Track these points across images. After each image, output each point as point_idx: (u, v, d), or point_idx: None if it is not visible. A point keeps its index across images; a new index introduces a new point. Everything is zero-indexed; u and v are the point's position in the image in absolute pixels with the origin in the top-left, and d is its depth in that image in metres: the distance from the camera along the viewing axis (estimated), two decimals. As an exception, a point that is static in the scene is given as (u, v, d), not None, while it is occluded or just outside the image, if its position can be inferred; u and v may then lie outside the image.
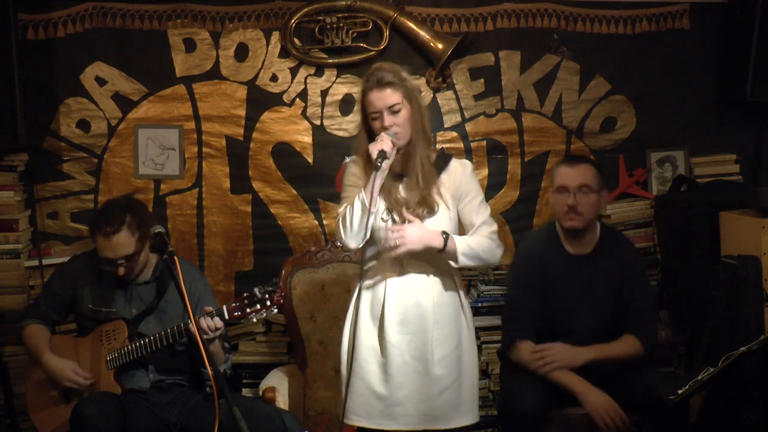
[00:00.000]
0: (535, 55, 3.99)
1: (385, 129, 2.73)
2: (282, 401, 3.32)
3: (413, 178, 2.79)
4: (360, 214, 2.69)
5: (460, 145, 3.99)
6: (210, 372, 2.60)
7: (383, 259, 2.82)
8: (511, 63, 3.98)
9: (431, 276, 2.82)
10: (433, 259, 2.80)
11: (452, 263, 2.79)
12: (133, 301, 3.10)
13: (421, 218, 2.77)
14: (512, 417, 3.06)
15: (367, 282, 2.85)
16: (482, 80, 3.98)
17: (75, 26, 3.87)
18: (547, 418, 3.11)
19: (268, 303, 2.84)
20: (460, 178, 2.84)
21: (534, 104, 4.01)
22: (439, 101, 3.98)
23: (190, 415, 3.03)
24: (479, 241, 2.79)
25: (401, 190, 2.81)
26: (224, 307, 2.87)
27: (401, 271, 2.80)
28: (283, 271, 3.65)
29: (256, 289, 2.85)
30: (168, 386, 3.09)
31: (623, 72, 4.02)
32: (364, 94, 2.78)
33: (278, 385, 3.39)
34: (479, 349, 3.84)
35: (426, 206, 2.77)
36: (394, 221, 2.78)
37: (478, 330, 3.82)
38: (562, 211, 3.14)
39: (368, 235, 2.75)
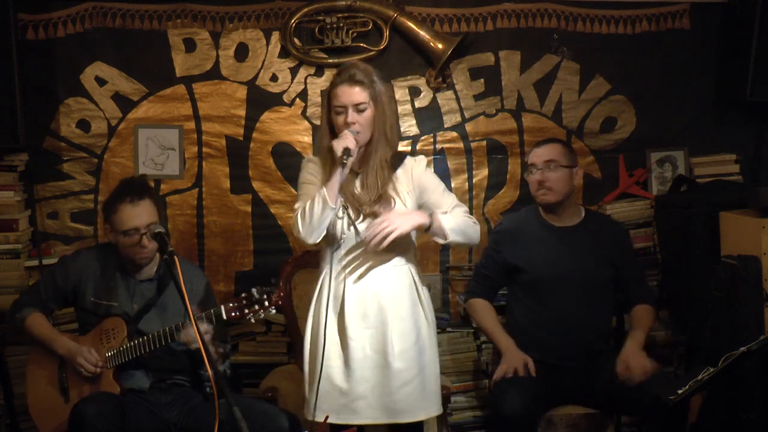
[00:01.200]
0: (535, 55, 3.99)
1: (347, 125, 2.74)
2: (282, 401, 3.32)
3: (370, 177, 2.80)
4: (321, 211, 2.70)
5: (460, 145, 3.99)
6: (210, 372, 2.59)
7: (342, 254, 2.83)
8: (511, 63, 3.98)
9: (389, 270, 2.83)
10: (390, 254, 2.82)
11: (440, 240, 2.81)
12: (135, 296, 3.10)
13: (376, 215, 2.78)
14: (497, 419, 3.09)
15: (325, 278, 2.85)
16: (482, 80, 3.98)
17: (75, 26, 3.87)
18: (534, 420, 3.11)
19: (266, 303, 2.83)
20: (417, 173, 2.86)
21: (534, 104, 4.01)
22: (439, 101, 3.98)
23: (190, 415, 3.02)
24: (460, 218, 2.83)
25: (357, 187, 2.83)
26: (222, 308, 2.87)
27: (360, 266, 2.82)
28: (283, 271, 3.65)
29: (254, 290, 2.84)
30: (167, 386, 3.08)
31: (623, 72, 4.02)
32: (332, 86, 2.79)
33: (278, 385, 3.39)
34: (479, 349, 3.85)
35: (382, 203, 2.79)
36: (349, 217, 2.79)
37: (478, 330, 3.83)
38: (534, 189, 3.35)
39: (324, 231, 2.77)
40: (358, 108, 2.75)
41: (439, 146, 3.98)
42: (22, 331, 3.15)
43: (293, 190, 3.97)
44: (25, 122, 3.68)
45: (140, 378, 3.05)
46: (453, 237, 2.79)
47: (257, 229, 3.98)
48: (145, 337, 2.97)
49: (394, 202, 2.80)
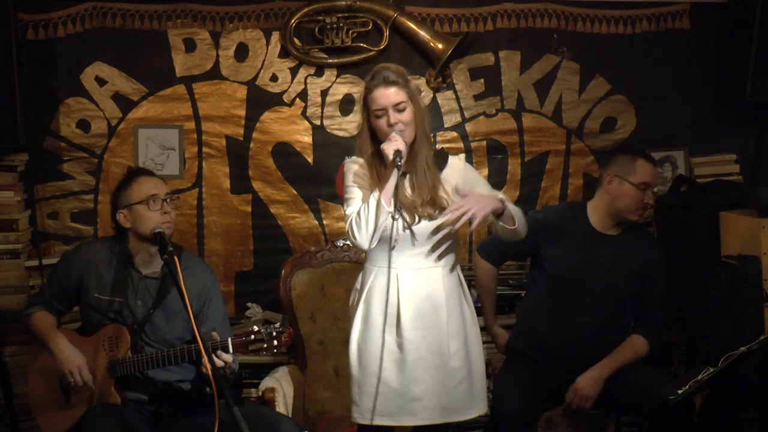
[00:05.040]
0: (535, 55, 3.99)
1: (390, 126, 2.73)
2: (282, 401, 3.32)
3: (420, 178, 2.79)
4: (377, 216, 2.69)
5: (460, 145, 3.99)
6: (210, 372, 2.58)
7: (395, 256, 2.79)
8: (511, 63, 3.98)
9: (439, 269, 2.83)
10: (441, 254, 2.83)
11: (508, 227, 2.79)
12: (139, 292, 3.04)
13: (431, 217, 2.78)
14: (496, 419, 3.09)
15: (376, 280, 2.83)
16: (482, 80, 3.98)
17: (75, 26, 3.87)
18: (534, 421, 3.11)
19: (275, 343, 2.81)
20: (462, 172, 2.88)
21: (534, 104, 4.01)
22: (439, 101, 3.98)
23: (189, 417, 2.99)
24: (516, 209, 2.85)
25: (407, 189, 2.81)
26: (229, 340, 2.82)
27: (414, 268, 2.80)
28: (283, 271, 3.65)
29: (263, 329, 2.81)
30: (167, 397, 3.03)
31: (623, 72, 4.02)
32: (368, 91, 2.78)
33: (278, 385, 3.39)
34: (480, 348, 3.85)
35: (435, 206, 2.78)
36: (404, 220, 2.77)
37: (480, 329, 3.83)
38: (635, 206, 3.19)
39: (379, 235, 2.75)
40: (398, 108, 2.74)
41: (439, 146, 3.98)
42: (28, 329, 3.12)
43: (293, 190, 3.97)
44: (25, 122, 3.68)
45: (140, 389, 3.00)
46: (519, 225, 2.81)
47: (257, 229, 3.98)
48: (154, 355, 2.91)
49: (447, 203, 2.79)
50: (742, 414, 3.09)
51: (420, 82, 3.95)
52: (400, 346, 2.79)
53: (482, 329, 3.57)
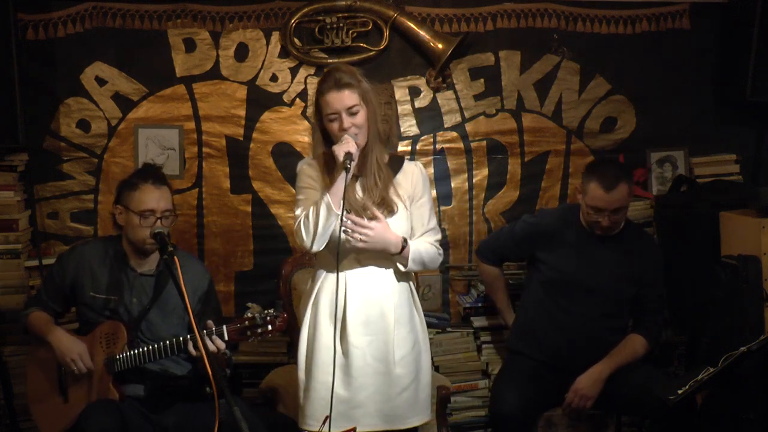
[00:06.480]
0: (535, 55, 3.99)
1: (343, 131, 2.70)
2: (282, 401, 3.32)
3: (371, 179, 2.77)
4: (326, 219, 2.66)
5: (460, 145, 3.99)
6: (210, 372, 2.58)
7: (339, 259, 2.75)
8: (511, 63, 3.98)
9: (390, 275, 2.81)
10: (389, 259, 2.80)
11: (399, 266, 2.80)
12: (134, 290, 3.06)
13: (381, 220, 2.75)
14: (495, 418, 3.09)
15: (324, 283, 2.82)
16: (482, 80, 3.98)
17: (75, 26, 3.87)
18: (532, 420, 3.11)
19: (270, 327, 2.80)
20: (416, 179, 2.85)
21: (534, 104, 4.01)
22: (439, 101, 3.98)
23: (188, 417, 3.00)
24: (428, 249, 2.83)
25: (358, 191, 2.79)
26: (224, 327, 2.83)
27: (362, 272, 2.79)
28: (283, 271, 3.65)
29: (257, 315, 2.80)
30: (164, 392, 3.05)
31: (623, 72, 4.02)
32: (320, 94, 2.74)
33: (278, 385, 3.39)
34: (479, 349, 3.85)
35: (385, 207, 2.76)
36: (353, 223, 2.74)
37: (478, 330, 3.83)
38: (590, 221, 3.23)
39: (328, 238, 2.72)
40: (351, 111, 2.71)
41: (439, 146, 3.98)
42: (26, 330, 3.14)
43: (293, 190, 3.96)
44: (25, 122, 3.69)
45: (137, 385, 3.01)
46: (411, 267, 2.80)
47: (257, 229, 3.98)
48: (150, 347, 2.92)
49: (396, 207, 2.78)
50: (742, 414, 3.09)
51: (420, 82, 3.96)
52: (346, 352, 2.76)
53: (503, 327, 3.68)
